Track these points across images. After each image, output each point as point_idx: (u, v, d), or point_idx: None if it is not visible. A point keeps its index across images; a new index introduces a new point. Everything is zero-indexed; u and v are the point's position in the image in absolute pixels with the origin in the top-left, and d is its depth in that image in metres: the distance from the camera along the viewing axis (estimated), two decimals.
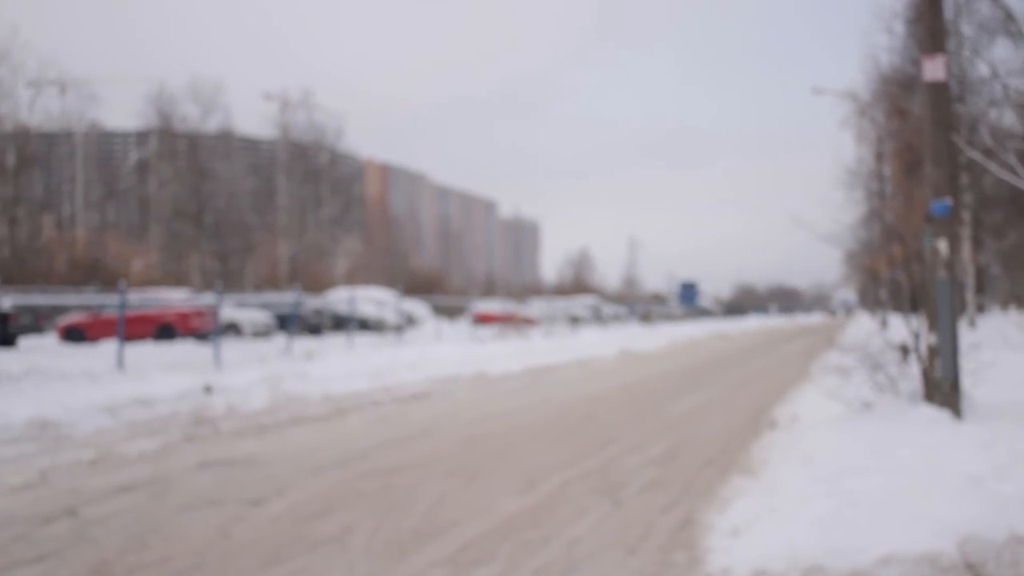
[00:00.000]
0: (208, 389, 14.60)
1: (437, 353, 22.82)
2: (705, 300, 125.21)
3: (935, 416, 9.22)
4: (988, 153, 24.43)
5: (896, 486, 6.53)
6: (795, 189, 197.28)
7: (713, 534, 6.32)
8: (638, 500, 7.66)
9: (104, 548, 6.12)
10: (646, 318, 70.10)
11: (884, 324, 32.94)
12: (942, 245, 9.42)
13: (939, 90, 9.47)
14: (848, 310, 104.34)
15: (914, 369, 10.35)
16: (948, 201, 9.44)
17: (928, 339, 9.82)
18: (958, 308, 9.94)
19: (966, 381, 9.82)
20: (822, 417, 10.72)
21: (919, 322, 10.18)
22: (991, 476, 6.76)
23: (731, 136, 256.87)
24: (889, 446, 7.94)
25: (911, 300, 10.77)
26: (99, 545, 6.19)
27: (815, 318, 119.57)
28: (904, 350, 10.66)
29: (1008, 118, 26.46)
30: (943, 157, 9.47)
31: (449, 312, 43.48)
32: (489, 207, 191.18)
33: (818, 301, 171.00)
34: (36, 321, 27.30)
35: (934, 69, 9.35)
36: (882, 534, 5.46)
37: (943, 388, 9.48)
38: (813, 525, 5.78)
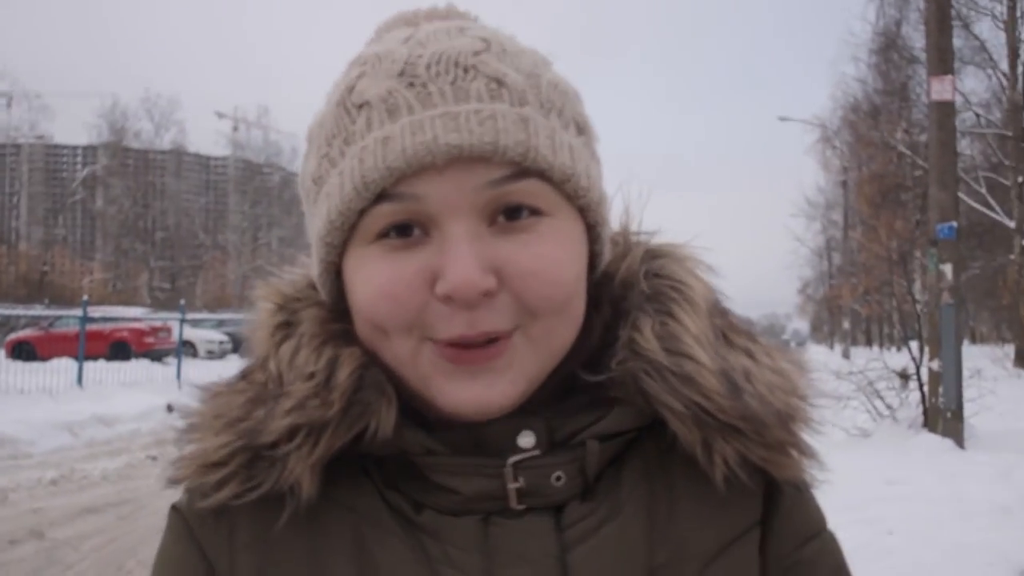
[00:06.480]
0: (171, 408, 14.11)
1: None
2: None
3: (939, 445, 8.95)
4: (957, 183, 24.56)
5: (924, 514, 6.26)
6: (758, 219, 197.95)
7: None
8: None
9: (78, 572, 5.70)
10: None
11: (846, 355, 32.86)
12: (947, 269, 9.13)
13: (946, 110, 9.19)
14: (801, 342, 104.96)
15: (913, 396, 10.11)
16: (954, 223, 9.15)
17: (930, 365, 9.57)
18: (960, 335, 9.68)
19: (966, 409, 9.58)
20: (818, 445, 10.43)
21: (916, 349, 9.99)
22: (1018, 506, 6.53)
23: (695, 161, 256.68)
24: (903, 474, 7.67)
25: (901, 327, 10.58)
26: (72, 569, 5.75)
27: None
28: (904, 377, 10.38)
29: (974, 148, 26.58)
30: (950, 179, 9.23)
31: None
32: None
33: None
34: None
35: (942, 89, 9.10)
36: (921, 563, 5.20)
37: (946, 416, 9.22)
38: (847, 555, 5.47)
